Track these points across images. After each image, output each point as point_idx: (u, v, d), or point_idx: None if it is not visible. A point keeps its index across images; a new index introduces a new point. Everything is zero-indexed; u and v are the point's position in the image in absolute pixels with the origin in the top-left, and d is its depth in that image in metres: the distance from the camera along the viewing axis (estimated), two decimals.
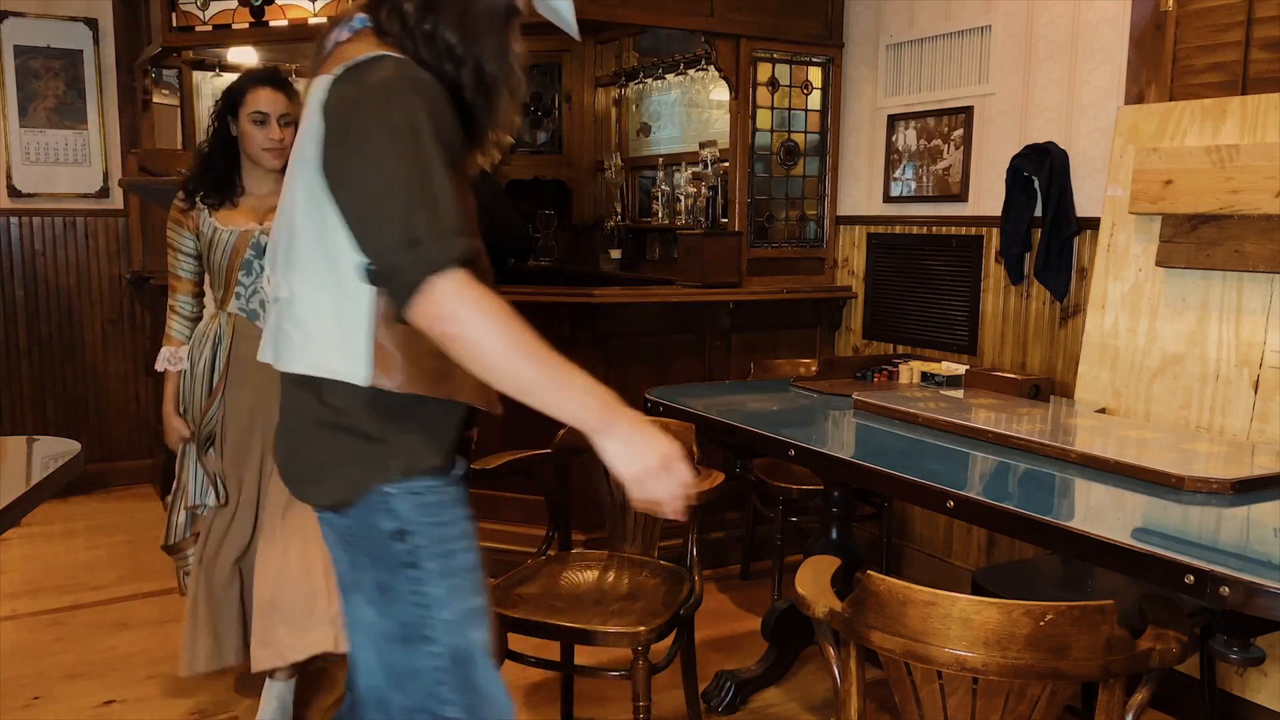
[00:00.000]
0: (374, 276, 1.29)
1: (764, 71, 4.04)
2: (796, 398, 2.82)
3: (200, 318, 2.67)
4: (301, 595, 2.45)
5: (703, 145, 4.54)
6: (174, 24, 4.18)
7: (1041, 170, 3.20)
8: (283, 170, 2.51)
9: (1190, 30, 2.91)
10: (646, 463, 1.27)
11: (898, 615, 1.36)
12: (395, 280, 1.24)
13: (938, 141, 3.72)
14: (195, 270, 2.63)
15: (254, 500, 2.60)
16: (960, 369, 2.88)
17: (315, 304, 1.39)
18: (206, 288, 2.67)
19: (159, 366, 2.68)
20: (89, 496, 4.53)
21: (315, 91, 1.36)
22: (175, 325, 2.66)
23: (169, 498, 2.74)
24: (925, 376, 2.90)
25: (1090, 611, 1.33)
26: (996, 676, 1.35)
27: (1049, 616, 1.32)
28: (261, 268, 2.52)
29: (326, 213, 1.35)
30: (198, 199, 2.59)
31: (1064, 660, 1.33)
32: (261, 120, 2.53)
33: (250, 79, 2.59)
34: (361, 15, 1.42)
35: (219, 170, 2.59)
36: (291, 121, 2.54)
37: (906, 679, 1.42)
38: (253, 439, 2.61)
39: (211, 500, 2.61)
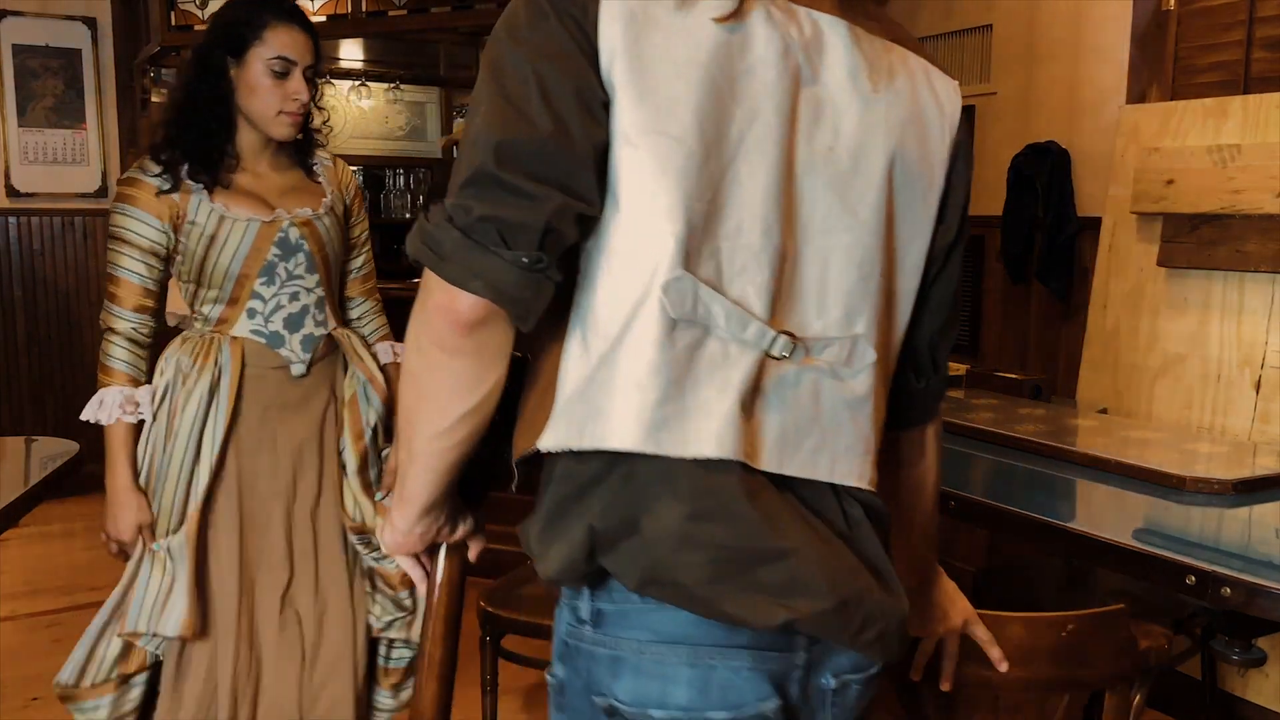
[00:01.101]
0: (932, 381, 1.08)
1: None
2: None
3: (153, 344, 1.90)
4: None
5: None
6: (173, 23, 4.18)
7: (1043, 170, 3.20)
8: (297, 144, 1.93)
9: (1192, 30, 2.91)
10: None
11: None
12: (942, 392, 1.10)
13: None
14: (157, 275, 1.84)
15: (281, 624, 1.88)
16: (961, 369, 2.88)
17: (879, 394, 0.97)
18: (179, 301, 1.94)
19: (96, 416, 1.87)
20: (88, 497, 4.51)
21: (942, 88, 1.00)
22: (120, 354, 1.87)
23: (98, 617, 1.88)
24: None
25: (1108, 617, 1.31)
26: (1022, 693, 1.33)
27: (1070, 626, 1.29)
28: (288, 273, 1.88)
29: (914, 273, 1.00)
30: (183, 173, 1.82)
31: (1086, 669, 1.31)
32: (283, 71, 1.81)
33: (269, 8, 1.82)
34: None
35: (210, 134, 1.83)
36: (314, 78, 1.88)
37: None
38: (274, 532, 1.88)
39: (173, 629, 1.78)
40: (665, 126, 0.84)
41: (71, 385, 4.77)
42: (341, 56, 5.14)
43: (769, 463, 0.89)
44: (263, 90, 1.81)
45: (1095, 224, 3.05)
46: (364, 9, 3.95)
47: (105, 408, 1.87)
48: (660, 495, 0.85)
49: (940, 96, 0.98)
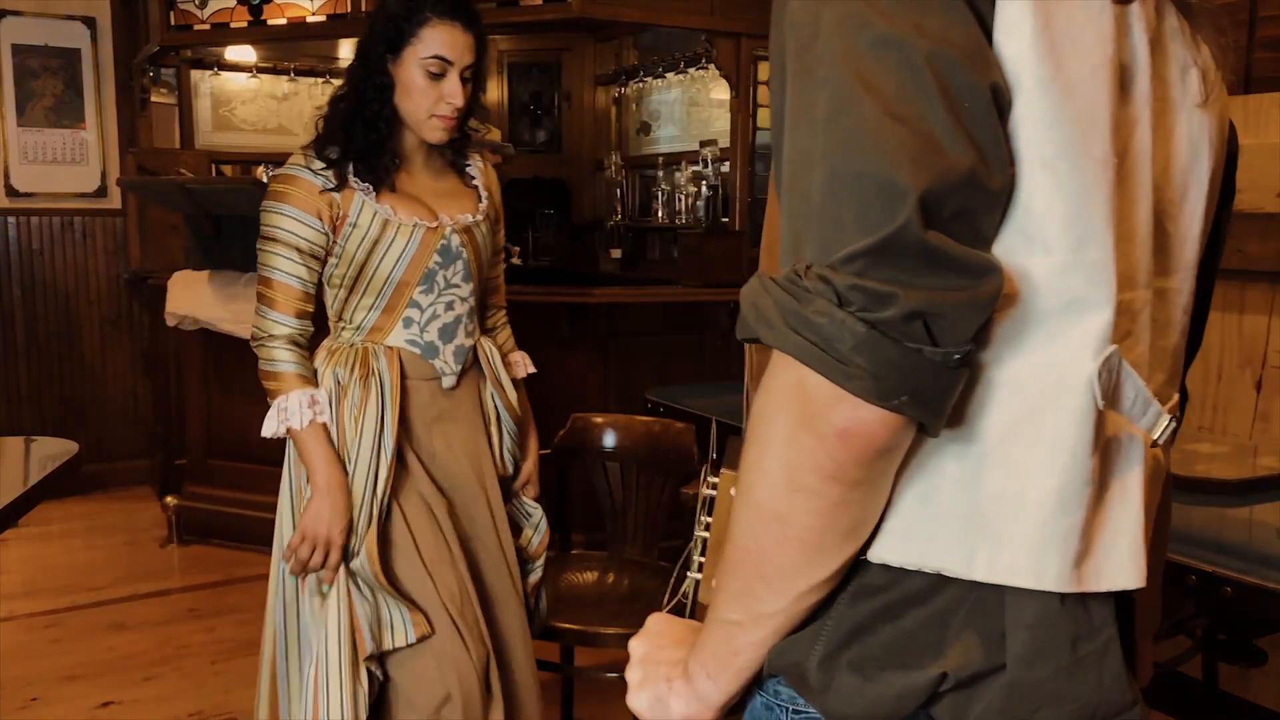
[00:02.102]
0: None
1: (765, 70, 4.02)
2: None
3: (310, 349, 1.79)
4: None
5: (703, 144, 4.53)
6: (172, 22, 4.18)
7: None
8: (452, 144, 1.84)
9: None
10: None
11: None
12: None
13: None
14: (316, 278, 1.75)
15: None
16: None
17: None
18: (333, 308, 1.83)
19: (286, 424, 1.70)
20: (87, 497, 4.52)
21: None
22: (286, 356, 1.73)
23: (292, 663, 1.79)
24: None
25: None
26: None
27: None
28: (446, 281, 1.79)
29: None
30: (349, 171, 1.73)
31: None
32: (439, 72, 1.71)
33: (427, 3, 1.71)
34: None
35: (378, 135, 1.74)
36: (476, 78, 1.78)
37: None
38: (442, 547, 1.79)
39: (411, 634, 1.71)
40: (1090, 145, 0.63)
41: (70, 385, 4.77)
42: (341, 56, 5.13)
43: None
44: (416, 91, 1.71)
45: None
46: (364, 9, 3.95)
47: (293, 413, 1.70)
48: (1034, 639, 0.66)
49: (1224, 99, 0.79)
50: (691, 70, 4.66)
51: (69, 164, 4.73)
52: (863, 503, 0.64)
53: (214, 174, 4.73)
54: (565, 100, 5.14)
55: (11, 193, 4.63)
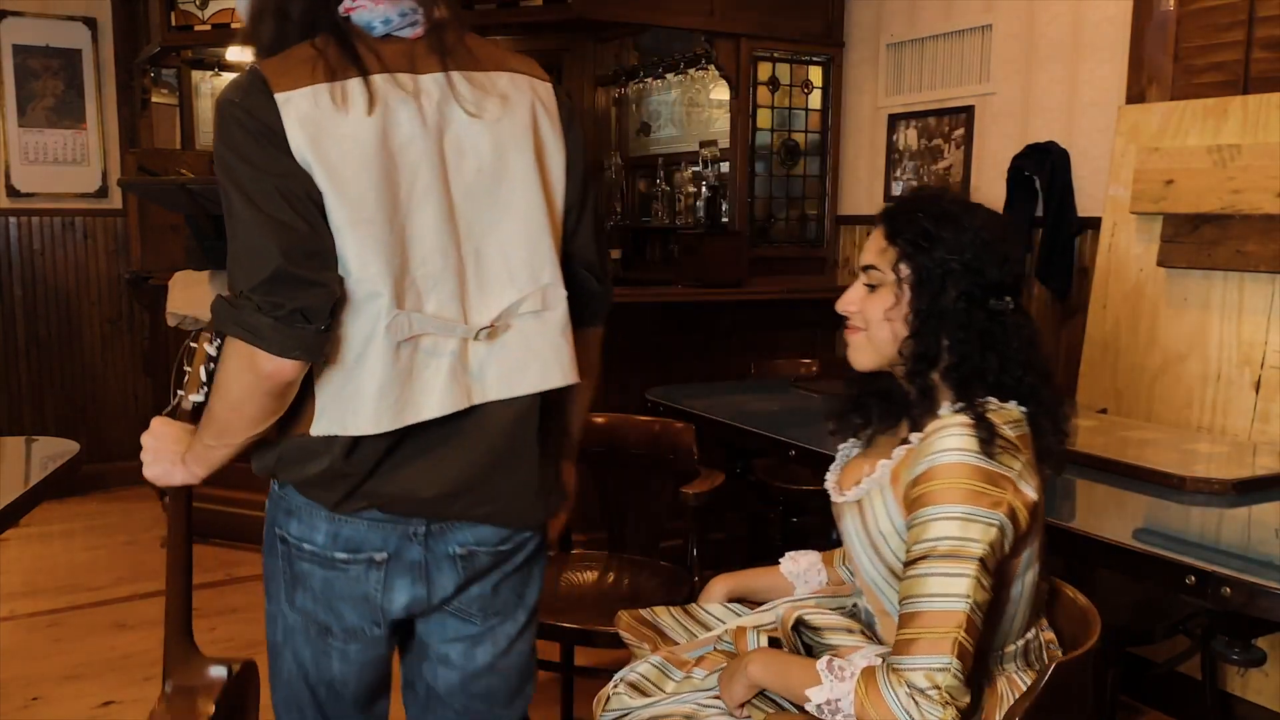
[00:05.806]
0: (599, 282, 1.48)
1: (764, 70, 4.03)
2: (797, 398, 2.81)
3: None
4: None
5: (703, 145, 4.54)
6: (173, 23, 4.18)
7: (1043, 170, 3.20)
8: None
9: (1192, 29, 2.90)
10: None
11: None
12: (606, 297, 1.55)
13: (938, 141, 3.71)
14: None
15: None
16: None
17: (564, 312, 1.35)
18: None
19: None
20: (87, 497, 4.52)
21: (540, 87, 1.36)
22: None
23: None
24: None
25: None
26: None
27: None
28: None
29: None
30: None
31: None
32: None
33: None
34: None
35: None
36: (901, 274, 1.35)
37: None
38: None
39: None
40: (361, 213, 1.19)
41: (71, 385, 4.77)
42: None
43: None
44: None
45: (1095, 224, 3.05)
46: None
47: None
48: (365, 450, 1.26)
49: (540, 94, 1.35)
50: (691, 71, 4.66)
51: (69, 164, 4.73)
52: (276, 404, 1.23)
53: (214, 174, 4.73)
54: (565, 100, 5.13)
55: (12, 193, 4.63)
